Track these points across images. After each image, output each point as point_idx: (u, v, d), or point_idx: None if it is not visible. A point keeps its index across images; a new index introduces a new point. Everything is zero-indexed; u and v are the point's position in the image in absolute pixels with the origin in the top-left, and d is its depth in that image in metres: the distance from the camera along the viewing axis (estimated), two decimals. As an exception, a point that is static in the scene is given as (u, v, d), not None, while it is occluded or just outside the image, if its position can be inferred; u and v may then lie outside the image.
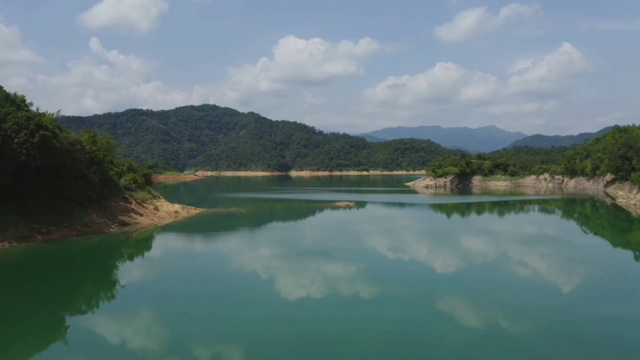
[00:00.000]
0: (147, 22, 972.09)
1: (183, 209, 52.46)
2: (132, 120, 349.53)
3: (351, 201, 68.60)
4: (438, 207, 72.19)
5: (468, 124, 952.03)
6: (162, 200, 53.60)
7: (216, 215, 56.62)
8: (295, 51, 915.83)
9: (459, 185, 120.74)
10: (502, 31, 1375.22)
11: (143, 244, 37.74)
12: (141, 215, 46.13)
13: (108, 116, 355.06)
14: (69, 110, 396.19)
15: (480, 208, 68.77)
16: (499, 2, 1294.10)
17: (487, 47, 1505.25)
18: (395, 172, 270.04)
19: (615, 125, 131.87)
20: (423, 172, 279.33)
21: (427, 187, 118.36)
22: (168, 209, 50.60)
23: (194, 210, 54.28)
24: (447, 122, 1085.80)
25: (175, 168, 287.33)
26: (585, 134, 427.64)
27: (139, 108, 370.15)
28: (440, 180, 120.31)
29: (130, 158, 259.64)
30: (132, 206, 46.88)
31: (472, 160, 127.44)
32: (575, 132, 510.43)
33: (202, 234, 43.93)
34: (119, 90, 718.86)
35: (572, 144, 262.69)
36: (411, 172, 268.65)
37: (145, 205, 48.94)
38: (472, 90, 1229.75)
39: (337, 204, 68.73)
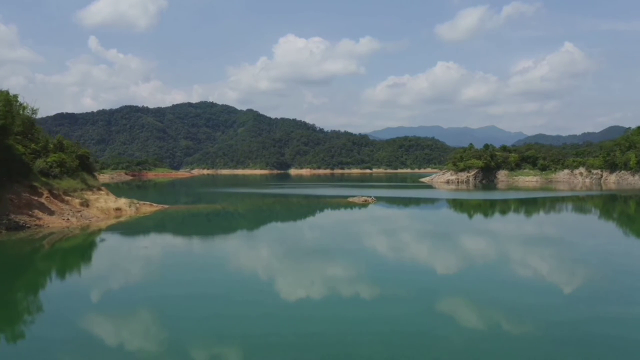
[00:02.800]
0: (146, 19, 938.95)
1: (131, 206, 34.55)
2: (127, 117, 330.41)
3: (370, 196, 50.73)
4: (480, 206, 54.33)
5: (468, 124, 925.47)
6: (103, 192, 35.68)
7: (181, 215, 38.71)
8: (295, 50, 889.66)
9: (483, 181, 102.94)
10: (503, 30, 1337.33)
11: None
12: (52, 213, 28.20)
13: (102, 113, 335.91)
14: (67, 110, 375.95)
15: (531, 208, 51.02)
16: (501, 0, 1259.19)
17: (489, 46, 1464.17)
18: (399, 170, 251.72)
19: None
20: (429, 169, 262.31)
21: (447, 182, 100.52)
22: (105, 206, 32.65)
23: (148, 207, 36.36)
24: (448, 122, 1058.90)
25: (170, 166, 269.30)
26: (589, 133, 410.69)
27: (135, 105, 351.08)
28: (463, 175, 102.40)
29: (124, 156, 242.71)
30: (42, 199, 28.97)
31: (497, 153, 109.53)
32: (578, 132, 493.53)
33: (140, 247, 25.94)
34: (118, 89, 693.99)
35: (585, 142, 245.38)
36: (416, 170, 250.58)
37: (67, 198, 31.05)
38: (473, 90, 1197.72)
39: (351, 199, 50.94)
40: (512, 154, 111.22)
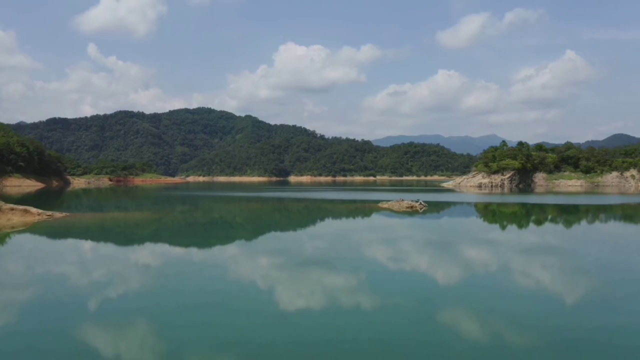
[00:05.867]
0: (145, 25, 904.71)
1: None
2: (122, 123, 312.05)
3: (417, 200, 32.90)
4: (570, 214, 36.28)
5: (469, 133, 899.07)
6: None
7: (72, 230, 20.76)
8: (296, 58, 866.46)
9: (520, 185, 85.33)
10: (505, 37, 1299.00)
11: None
12: None
13: (96, 118, 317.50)
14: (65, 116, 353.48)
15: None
16: (503, 7, 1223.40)
17: (490, 54, 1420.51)
18: (405, 177, 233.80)
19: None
20: (436, 177, 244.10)
21: (479, 186, 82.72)
22: None
23: (18, 218, 18.46)
24: (448, 131, 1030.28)
25: (166, 173, 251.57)
26: (593, 141, 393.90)
27: (130, 110, 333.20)
28: (496, 178, 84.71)
29: (118, 162, 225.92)
30: None
31: (532, 153, 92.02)
32: (580, 140, 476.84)
33: None
34: (117, 96, 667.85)
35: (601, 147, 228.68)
36: (422, 177, 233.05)
37: None
38: (474, 98, 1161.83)
39: (385, 204, 33.21)
40: (550, 154, 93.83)
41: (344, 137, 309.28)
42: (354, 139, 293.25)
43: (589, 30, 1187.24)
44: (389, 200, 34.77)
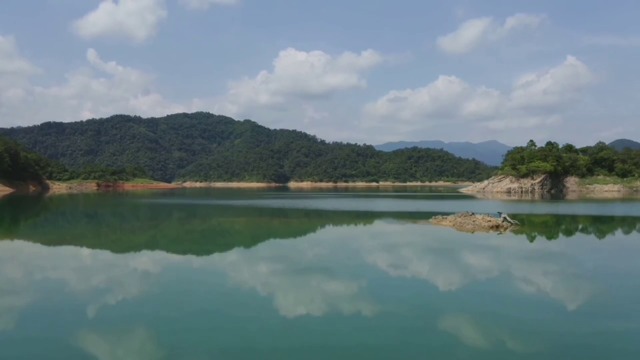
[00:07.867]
0: (145, 30, 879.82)
1: None
2: (118, 127, 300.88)
3: (501, 214, 22.33)
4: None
5: (469, 139, 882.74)
6: None
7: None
8: (296, 63, 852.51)
9: (552, 190, 74.93)
10: (506, 43, 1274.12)
11: None
12: None
13: (92, 122, 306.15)
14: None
15: None
16: (504, 12, 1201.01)
17: (491, 59, 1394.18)
18: (408, 183, 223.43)
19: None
20: (441, 182, 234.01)
21: (508, 192, 72.19)
22: None
23: None
24: (449, 137, 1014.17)
25: (163, 178, 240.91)
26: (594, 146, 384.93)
27: (126, 114, 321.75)
28: (526, 182, 74.29)
29: (113, 167, 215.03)
30: None
31: (562, 155, 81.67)
32: (583, 146, 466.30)
33: None
34: (117, 102, 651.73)
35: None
36: (427, 183, 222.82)
37: None
38: (475, 104, 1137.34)
39: (442, 221, 22.64)
40: (581, 156, 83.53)
41: (344, 142, 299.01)
42: (356, 144, 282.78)
43: (590, 35, 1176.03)
44: (447, 214, 24.13)
